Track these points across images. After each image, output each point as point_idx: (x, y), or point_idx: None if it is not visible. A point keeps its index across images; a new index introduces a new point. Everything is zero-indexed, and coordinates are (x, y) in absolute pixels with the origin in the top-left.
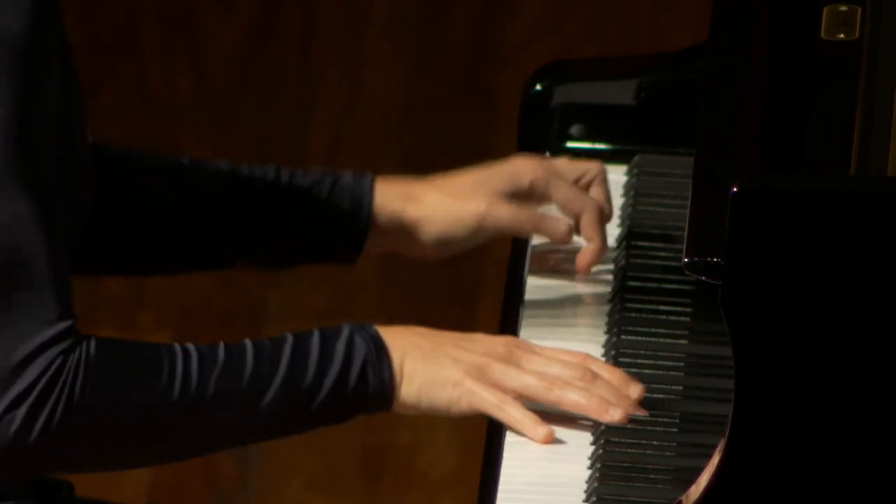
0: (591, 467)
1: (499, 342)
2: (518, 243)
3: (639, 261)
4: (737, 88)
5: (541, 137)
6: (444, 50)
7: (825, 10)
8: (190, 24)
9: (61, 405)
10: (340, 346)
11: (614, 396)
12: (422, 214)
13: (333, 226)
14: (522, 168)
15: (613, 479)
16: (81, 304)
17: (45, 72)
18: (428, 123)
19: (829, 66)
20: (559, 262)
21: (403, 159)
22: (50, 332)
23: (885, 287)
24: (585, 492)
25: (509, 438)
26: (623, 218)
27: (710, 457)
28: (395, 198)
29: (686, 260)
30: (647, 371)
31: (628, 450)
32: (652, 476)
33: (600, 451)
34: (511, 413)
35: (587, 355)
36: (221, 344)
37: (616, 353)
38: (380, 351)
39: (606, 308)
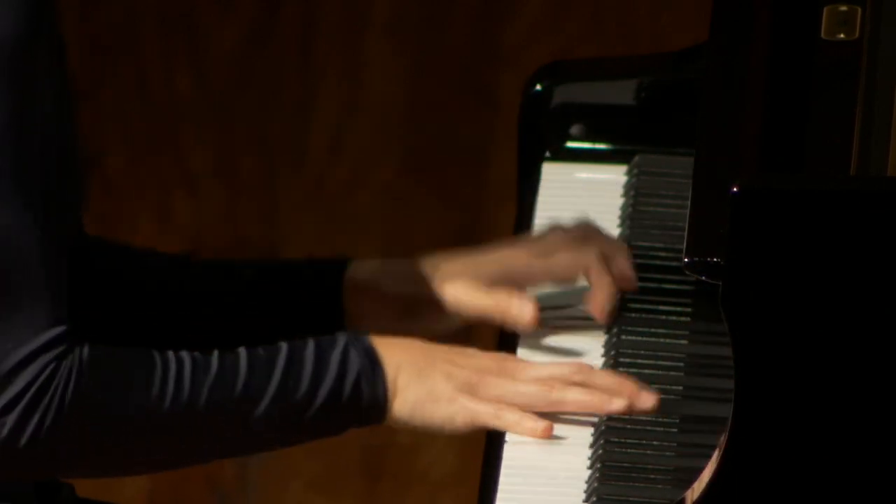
0: (591, 467)
1: (489, 357)
2: (518, 231)
3: (639, 261)
4: (737, 88)
5: (541, 137)
6: (444, 50)
7: (825, 10)
8: (190, 24)
9: (52, 411)
10: (335, 358)
11: (616, 385)
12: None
13: (308, 318)
14: (517, 260)
15: (613, 479)
16: None
17: (39, 75)
18: (428, 123)
19: (829, 66)
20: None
21: (403, 159)
22: (43, 338)
23: (885, 287)
24: (585, 492)
25: (509, 438)
26: (623, 218)
27: (710, 457)
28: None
29: (686, 260)
30: (647, 371)
31: (628, 450)
32: (652, 476)
33: (600, 451)
34: (507, 417)
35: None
36: (216, 352)
37: (616, 353)
38: (374, 364)
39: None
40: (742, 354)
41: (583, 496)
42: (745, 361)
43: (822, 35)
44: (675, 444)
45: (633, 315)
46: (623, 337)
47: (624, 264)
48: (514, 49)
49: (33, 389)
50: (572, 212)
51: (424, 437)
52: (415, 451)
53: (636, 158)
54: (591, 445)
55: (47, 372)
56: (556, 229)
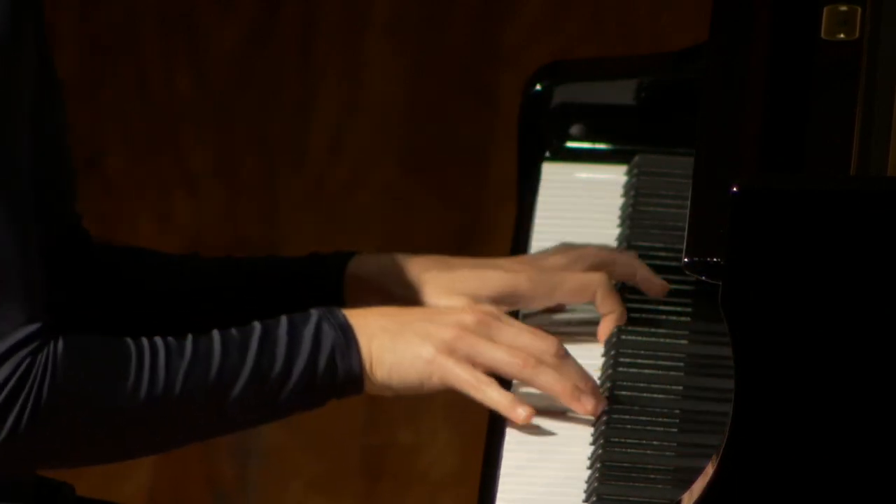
0: (591, 467)
1: (469, 312)
2: (517, 241)
3: None
4: (737, 88)
5: (541, 137)
6: (444, 50)
7: (825, 10)
8: (190, 24)
9: (29, 406)
10: (308, 334)
11: (584, 381)
12: (400, 297)
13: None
14: (522, 279)
15: (613, 479)
16: None
17: (19, 72)
18: (428, 123)
19: (829, 66)
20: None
21: (403, 159)
22: (19, 335)
23: (885, 287)
24: (585, 492)
25: (509, 438)
26: (623, 218)
27: (710, 457)
28: (374, 276)
29: (686, 260)
30: (647, 371)
31: (628, 450)
32: (652, 476)
33: (600, 451)
34: (489, 394)
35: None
36: (189, 336)
37: (616, 353)
38: (348, 336)
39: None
40: (742, 354)
41: (583, 496)
42: (745, 361)
43: (822, 35)
44: (675, 444)
45: (633, 315)
46: (623, 337)
47: (647, 277)
48: (514, 49)
49: (9, 386)
50: (572, 212)
51: (424, 437)
52: (415, 451)
53: (636, 158)
54: (591, 445)
55: (23, 368)
56: (565, 249)
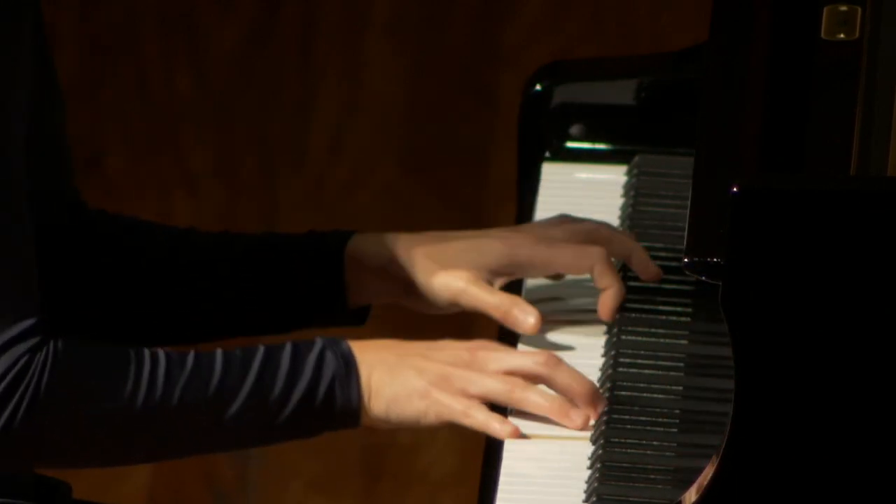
0: (591, 467)
1: (464, 347)
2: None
3: None
4: (737, 88)
5: (541, 137)
6: (444, 50)
7: (825, 10)
8: (190, 24)
9: (25, 403)
10: (310, 362)
11: (581, 385)
12: (400, 276)
13: (309, 289)
14: (521, 247)
15: (613, 479)
16: None
17: (16, 69)
18: (428, 123)
19: (829, 66)
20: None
21: (403, 159)
22: (14, 330)
23: (885, 287)
24: (585, 492)
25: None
26: (623, 218)
27: (710, 457)
28: (374, 256)
29: (686, 260)
30: (647, 371)
31: (628, 450)
32: (652, 476)
33: (600, 451)
34: (476, 417)
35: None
36: (192, 352)
37: (616, 353)
38: (349, 368)
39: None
40: (742, 354)
41: (583, 496)
42: (745, 361)
43: (822, 35)
44: (675, 444)
45: (633, 315)
46: (623, 337)
47: (642, 259)
48: (514, 49)
49: (6, 381)
50: (572, 212)
51: (424, 437)
52: (415, 451)
53: (636, 158)
54: (592, 445)
55: (21, 364)
56: (564, 221)
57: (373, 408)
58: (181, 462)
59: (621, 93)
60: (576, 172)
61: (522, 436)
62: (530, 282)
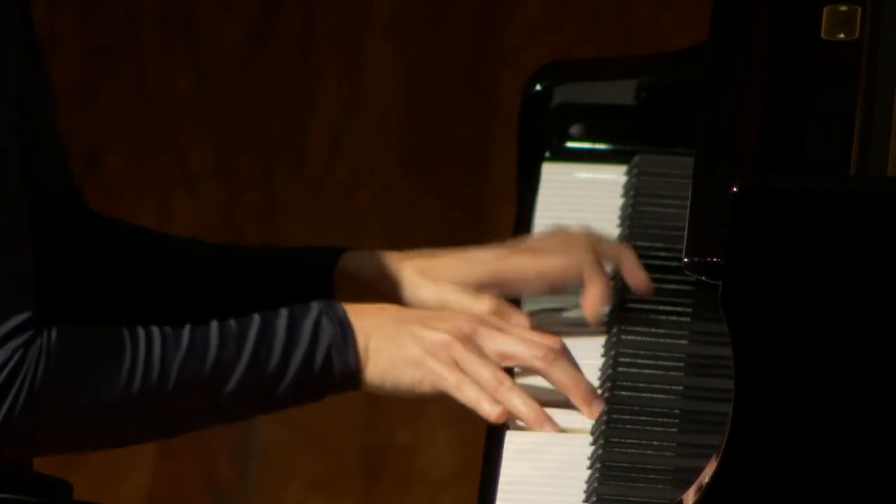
0: (591, 467)
1: (465, 319)
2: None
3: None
4: (737, 88)
5: (541, 137)
6: (444, 50)
7: (825, 10)
8: (190, 24)
9: (23, 395)
10: (307, 329)
11: (574, 383)
12: (390, 291)
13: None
14: (510, 259)
15: (613, 479)
16: None
17: (6, 66)
18: (428, 123)
19: (829, 66)
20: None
21: (403, 159)
22: (9, 325)
23: (885, 287)
24: (585, 492)
25: (509, 438)
26: (623, 218)
27: (710, 457)
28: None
29: (686, 260)
30: (647, 371)
31: (628, 450)
32: (652, 476)
33: (600, 451)
34: (468, 393)
35: (561, 342)
36: (187, 327)
37: (616, 353)
38: (346, 333)
39: (606, 308)
40: (742, 354)
41: (583, 496)
42: (745, 361)
43: (822, 35)
44: (675, 444)
45: (633, 315)
46: (623, 337)
47: (632, 265)
48: (514, 49)
49: (3, 375)
50: (572, 212)
51: (424, 437)
52: (415, 451)
53: (636, 158)
54: (591, 445)
55: (16, 358)
56: (551, 233)
57: (369, 372)
58: (181, 462)
59: (621, 93)
60: (576, 172)
61: (510, 421)
62: None
